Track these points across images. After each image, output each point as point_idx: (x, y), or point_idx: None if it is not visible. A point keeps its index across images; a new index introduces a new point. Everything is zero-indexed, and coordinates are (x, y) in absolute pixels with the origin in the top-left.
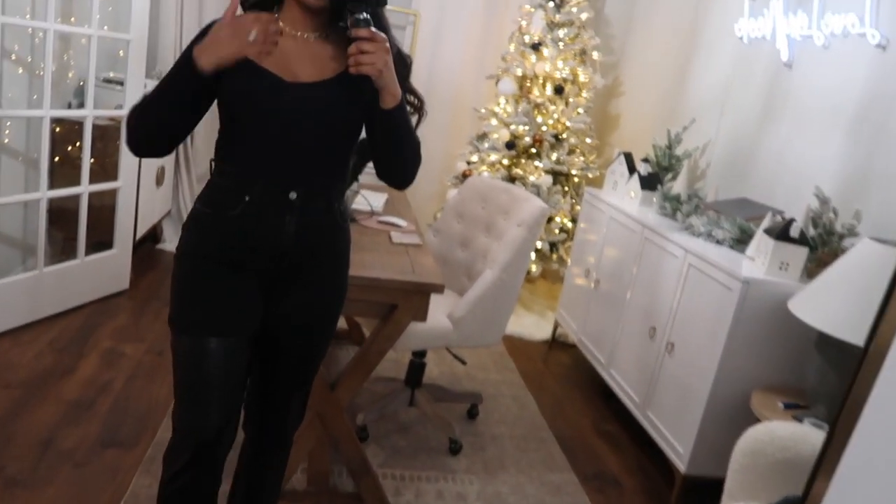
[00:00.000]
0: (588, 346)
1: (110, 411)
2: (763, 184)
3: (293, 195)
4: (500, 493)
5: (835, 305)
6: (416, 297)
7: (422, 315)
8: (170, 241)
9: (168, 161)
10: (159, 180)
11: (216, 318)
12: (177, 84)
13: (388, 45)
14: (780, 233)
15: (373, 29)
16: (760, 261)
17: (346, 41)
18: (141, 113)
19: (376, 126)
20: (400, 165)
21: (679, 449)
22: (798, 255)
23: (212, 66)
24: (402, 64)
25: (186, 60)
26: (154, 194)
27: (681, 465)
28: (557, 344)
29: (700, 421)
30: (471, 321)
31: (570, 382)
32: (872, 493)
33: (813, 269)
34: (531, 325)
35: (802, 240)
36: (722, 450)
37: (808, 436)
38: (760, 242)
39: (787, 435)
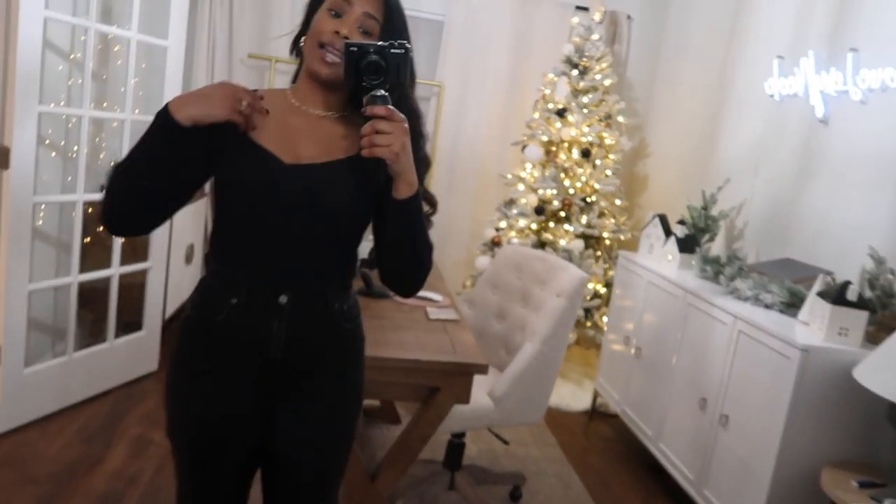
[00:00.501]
0: (632, 417)
1: None
2: (807, 243)
3: (283, 299)
4: None
5: None
6: (458, 379)
7: (465, 397)
8: None
9: (197, 237)
10: (189, 258)
11: (209, 438)
12: (154, 141)
13: (406, 125)
14: (837, 296)
15: (391, 107)
16: (816, 326)
17: (359, 120)
18: (116, 179)
19: (387, 219)
20: (409, 266)
21: None
22: (858, 320)
23: (190, 121)
24: (421, 164)
25: (162, 118)
26: (184, 272)
27: None
28: (598, 414)
29: (766, 500)
30: (512, 398)
31: (614, 457)
32: None
33: (874, 333)
34: (569, 395)
35: (861, 303)
36: None
37: None
38: (815, 306)
39: None
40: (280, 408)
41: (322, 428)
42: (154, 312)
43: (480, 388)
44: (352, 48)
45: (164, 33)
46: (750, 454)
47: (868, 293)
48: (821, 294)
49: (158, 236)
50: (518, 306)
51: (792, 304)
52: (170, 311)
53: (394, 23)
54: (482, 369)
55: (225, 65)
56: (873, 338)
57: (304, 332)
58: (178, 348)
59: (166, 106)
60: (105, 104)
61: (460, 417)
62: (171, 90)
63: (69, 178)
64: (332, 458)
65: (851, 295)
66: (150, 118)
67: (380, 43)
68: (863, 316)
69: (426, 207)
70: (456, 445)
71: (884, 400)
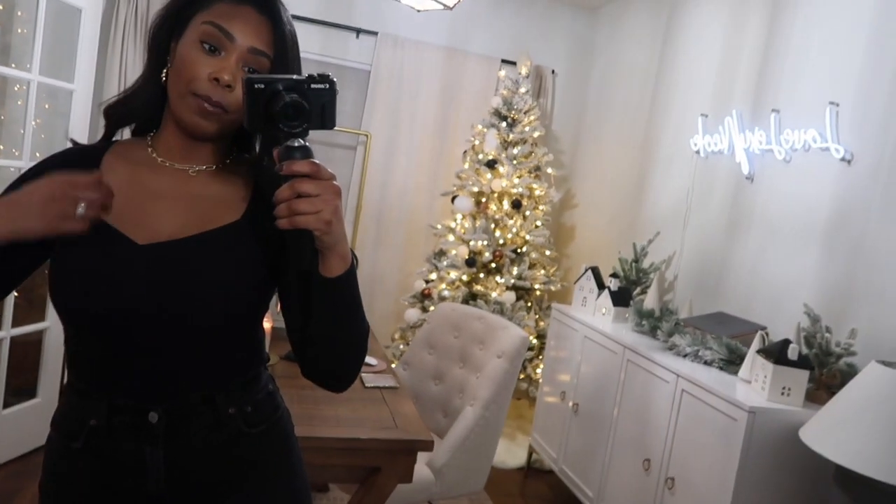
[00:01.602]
0: (571, 477)
1: None
2: (739, 297)
3: (153, 417)
4: None
5: (852, 437)
6: (401, 458)
7: (408, 476)
8: None
9: None
10: None
11: None
12: None
13: (337, 184)
14: (779, 356)
15: (315, 161)
16: (759, 385)
17: (248, 172)
18: None
19: (311, 302)
20: (344, 358)
21: None
22: (800, 379)
23: (4, 238)
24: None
25: None
26: None
27: None
28: (533, 471)
29: None
30: (454, 469)
31: None
32: None
33: (813, 392)
34: (502, 451)
35: (802, 362)
36: None
37: None
38: (755, 365)
39: None
40: None
41: None
42: (51, 378)
43: (419, 457)
44: (257, 85)
45: (69, 76)
46: None
47: (805, 350)
48: (761, 352)
49: None
50: (456, 367)
51: (731, 361)
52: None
53: (287, 58)
54: (427, 446)
55: None
56: (813, 396)
57: (190, 454)
58: (43, 476)
59: None
60: (1, 147)
61: (398, 494)
62: (78, 134)
63: None
64: None
65: (792, 354)
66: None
67: (295, 77)
68: (804, 375)
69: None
70: None
71: (830, 462)
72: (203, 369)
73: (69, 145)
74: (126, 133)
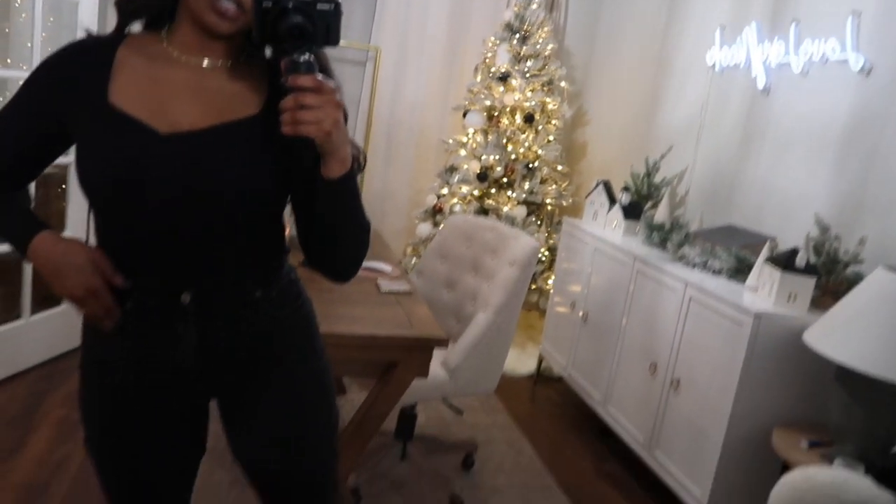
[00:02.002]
0: (579, 382)
1: (69, 495)
2: (749, 210)
3: (185, 298)
4: None
5: (855, 338)
6: (417, 354)
7: (424, 371)
8: None
9: None
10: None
11: (132, 463)
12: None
13: (338, 96)
14: (787, 263)
15: (318, 75)
16: (765, 292)
17: (262, 69)
18: None
19: (314, 201)
20: (344, 255)
21: (694, 491)
22: (806, 286)
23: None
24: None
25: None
26: None
27: None
28: (543, 378)
29: (717, 461)
30: (466, 369)
31: (563, 421)
32: None
33: (819, 298)
34: (513, 359)
35: (809, 269)
36: (742, 490)
37: (850, 483)
38: (763, 273)
39: (827, 481)
40: (226, 415)
41: (281, 431)
42: None
43: (433, 359)
44: (264, 4)
45: None
46: (702, 417)
47: (814, 259)
48: (770, 260)
49: (77, 201)
50: (468, 276)
51: (739, 270)
52: None
53: None
54: (442, 342)
55: None
56: (819, 303)
57: (220, 332)
58: (84, 355)
59: (26, 246)
60: (9, 60)
61: (415, 390)
62: None
63: None
64: (309, 458)
65: (800, 261)
66: None
67: None
68: (811, 282)
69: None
70: (408, 417)
71: (832, 362)
72: (230, 253)
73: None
74: (136, 29)
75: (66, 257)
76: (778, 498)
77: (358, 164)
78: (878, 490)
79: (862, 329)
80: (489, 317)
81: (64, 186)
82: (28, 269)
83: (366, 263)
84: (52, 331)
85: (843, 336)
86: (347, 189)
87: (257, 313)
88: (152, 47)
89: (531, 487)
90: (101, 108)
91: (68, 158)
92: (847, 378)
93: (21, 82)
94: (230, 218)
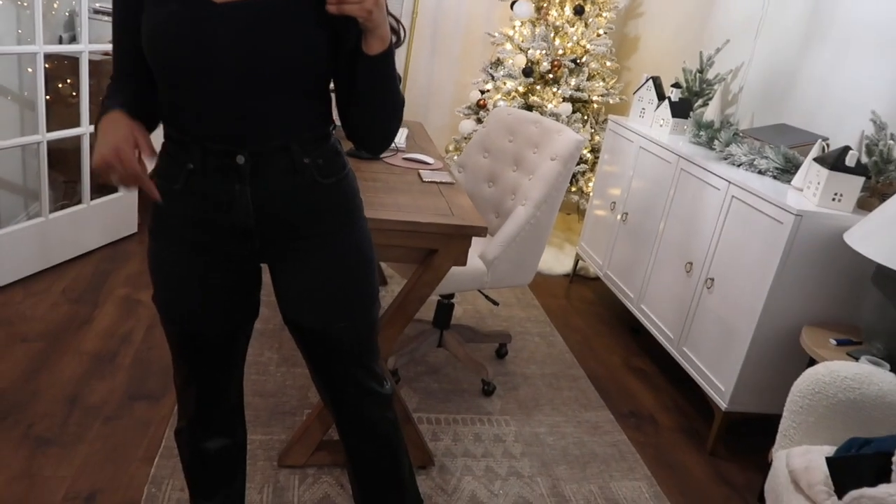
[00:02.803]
0: (615, 281)
1: (134, 363)
2: (804, 109)
3: (240, 159)
4: (537, 434)
5: (893, 238)
6: (457, 242)
7: (462, 260)
8: None
9: None
10: None
11: (191, 307)
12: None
13: None
14: (836, 162)
15: None
16: (811, 192)
17: None
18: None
19: (355, 75)
20: (379, 127)
21: (720, 386)
22: (853, 186)
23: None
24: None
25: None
26: (159, 127)
27: (721, 402)
28: (579, 278)
29: (744, 357)
30: (504, 262)
31: (595, 318)
32: None
33: (865, 199)
34: (551, 258)
35: (859, 169)
36: (767, 386)
37: (874, 376)
38: (810, 172)
39: (850, 375)
40: (276, 275)
41: (327, 293)
42: None
43: (473, 251)
44: None
45: None
46: (732, 314)
47: (865, 159)
48: (818, 160)
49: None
50: (509, 170)
51: (786, 171)
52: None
53: None
54: (481, 232)
55: None
56: (864, 204)
57: (272, 193)
58: (152, 218)
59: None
60: None
61: (453, 279)
62: None
63: (20, 31)
64: (349, 321)
65: (850, 160)
66: None
67: None
68: (858, 182)
69: (394, 35)
70: (445, 306)
71: (871, 263)
72: (281, 118)
73: None
74: None
75: (104, 132)
76: (800, 389)
77: (398, 36)
78: None
79: None
80: (528, 210)
81: None
82: (86, 156)
83: (409, 154)
84: (112, 216)
85: (884, 237)
86: (387, 66)
87: (304, 178)
88: None
89: (560, 377)
90: None
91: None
92: (883, 279)
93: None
94: (280, 83)
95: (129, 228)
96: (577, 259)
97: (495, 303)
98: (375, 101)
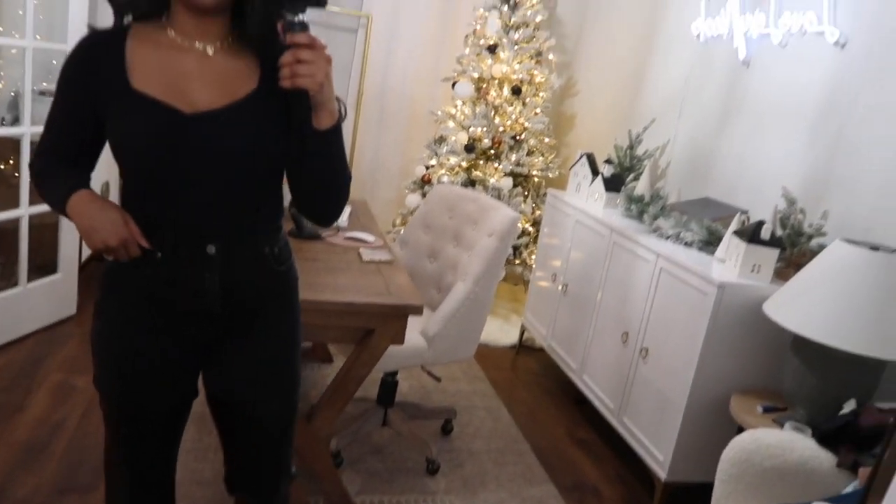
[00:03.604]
0: (558, 352)
1: (66, 453)
2: (725, 183)
3: (211, 249)
4: None
5: (810, 308)
6: (393, 321)
7: (399, 338)
8: None
9: (113, 174)
10: (104, 195)
11: (137, 387)
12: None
13: (328, 53)
14: (752, 235)
15: (312, 34)
16: (732, 263)
17: (255, 50)
18: (37, 184)
19: (306, 151)
20: (330, 198)
21: (658, 456)
22: (769, 257)
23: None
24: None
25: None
26: None
27: (661, 473)
28: (525, 349)
29: (679, 426)
30: (445, 337)
31: (540, 389)
32: None
33: (782, 270)
34: (497, 330)
35: (774, 241)
36: (702, 455)
37: (795, 443)
38: (731, 244)
39: (773, 443)
40: (221, 355)
41: (265, 370)
42: (69, 254)
43: (414, 327)
44: None
45: None
46: (667, 384)
47: (780, 232)
48: (737, 233)
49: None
50: (450, 246)
51: (710, 242)
52: (86, 252)
53: None
54: (417, 310)
55: None
56: (782, 274)
57: (239, 280)
58: (102, 297)
59: (65, 202)
60: (1, 28)
61: (395, 357)
62: (77, 17)
63: None
64: (279, 400)
65: (765, 234)
66: (54, 46)
67: None
68: (774, 254)
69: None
70: (389, 383)
71: (789, 332)
72: (245, 212)
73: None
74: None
75: (103, 212)
76: (728, 458)
77: (340, 114)
78: (820, 450)
79: (816, 300)
80: (467, 286)
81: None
82: (24, 238)
83: (350, 233)
84: (49, 298)
85: (798, 306)
86: (337, 139)
87: (265, 266)
88: (157, 35)
89: (506, 452)
90: (127, 93)
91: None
92: (801, 346)
93: (14, 50)
94: (246, 180)
95: (68, 310)
96: (523, 330)
97: (437, 378)
98: (326, 174)
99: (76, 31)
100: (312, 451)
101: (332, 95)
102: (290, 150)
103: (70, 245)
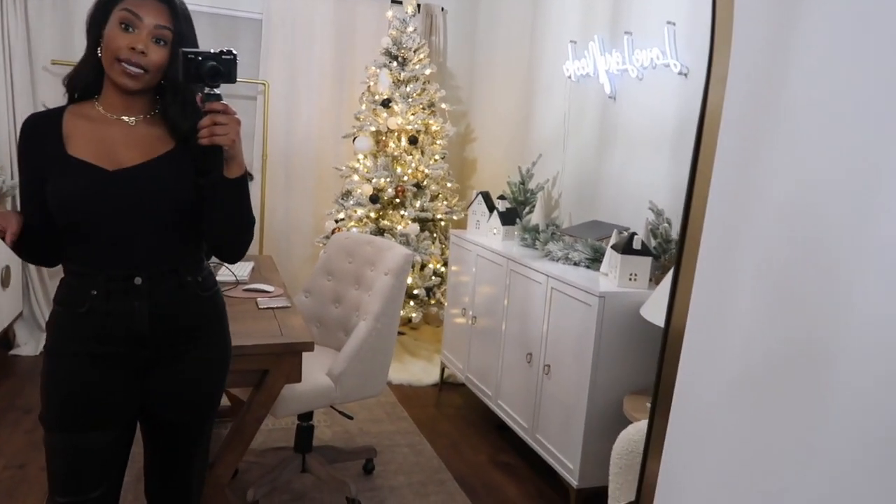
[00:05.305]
0: (475, 382)
1: None
2: (609, 205)
3: (138, 280)
4: None
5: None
6: (287, 359)
7: (296, 376)
8: (24, 345)
9: (14, 261)
10: (5, 282)
11: (85, 415)
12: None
13: (238, 117)
14: (625, 247)
15: (225, 102)
16: (612, 275)
17: (170, 121)
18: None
19: (218, 197)
20: (241, 236)
21: (569, 465)
22: (644, 265)
23: None
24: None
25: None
26: (1, 297)
27: (573, 481)
28: (447, 386)
29: (583, 434)
30: (351, 375)
31: (464, 421)
32: (695, 461)
33: (659, 276)
34: (419, 371)
35: (644, 250)
36: (607, 458)
37: None
38: (610, 258)
39: None
40: (155, 374)
41: (188, 390)
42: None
43: (320, 369)
44: (189, 55)
45: None
46: (568, 396)
47: (653, 242)
48: (613, 247)
49: None
50: (352, 289)
51: (596, 260)
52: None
53: (183, 29)
54: (308, 347)
55: (26, 73)
56: (659, 280)
57: (164, 306)
58: (52, 337)
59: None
60: None
61: (302, 398)
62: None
63: None
64: (207, 416)
65: (636, 244)
66: None
67: (212, 51)
68: (646, 261)
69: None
70: (304, 429)
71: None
72: (166, 247)
73: (42, 108)
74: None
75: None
76: (617, 451)
77: (248, 174)
78: None
79: None
80: (368, 324)
81: None
82: None
83: (250, 285)
84: None
85: (664, 305)
86: (245, 187)
87: (189, 293)
88: (89, 111)
89: (427, 483)
90: (64, 159)
91: None
92: None
93: None
94: (165, 222)
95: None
96: (443, 367)
97: (349, 416)
98: (234, 217)
99: None
100: (215, 498)
101: (240, 150)
102: (201, 197)
103: None
